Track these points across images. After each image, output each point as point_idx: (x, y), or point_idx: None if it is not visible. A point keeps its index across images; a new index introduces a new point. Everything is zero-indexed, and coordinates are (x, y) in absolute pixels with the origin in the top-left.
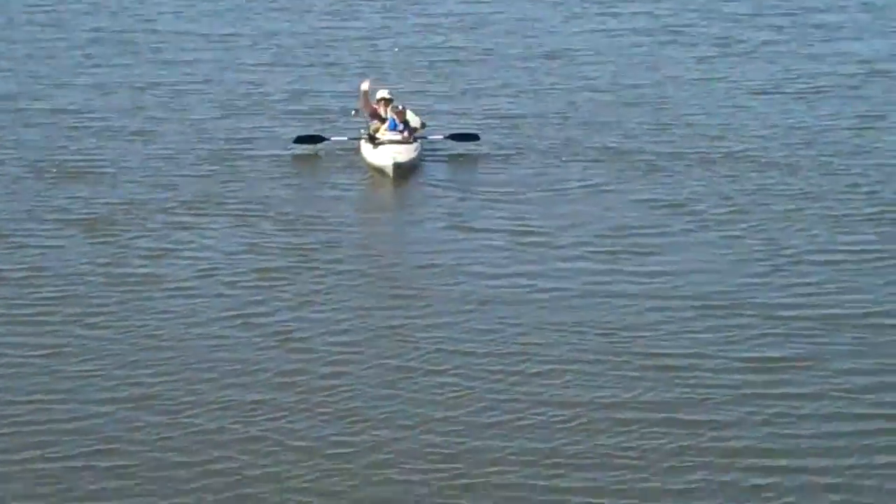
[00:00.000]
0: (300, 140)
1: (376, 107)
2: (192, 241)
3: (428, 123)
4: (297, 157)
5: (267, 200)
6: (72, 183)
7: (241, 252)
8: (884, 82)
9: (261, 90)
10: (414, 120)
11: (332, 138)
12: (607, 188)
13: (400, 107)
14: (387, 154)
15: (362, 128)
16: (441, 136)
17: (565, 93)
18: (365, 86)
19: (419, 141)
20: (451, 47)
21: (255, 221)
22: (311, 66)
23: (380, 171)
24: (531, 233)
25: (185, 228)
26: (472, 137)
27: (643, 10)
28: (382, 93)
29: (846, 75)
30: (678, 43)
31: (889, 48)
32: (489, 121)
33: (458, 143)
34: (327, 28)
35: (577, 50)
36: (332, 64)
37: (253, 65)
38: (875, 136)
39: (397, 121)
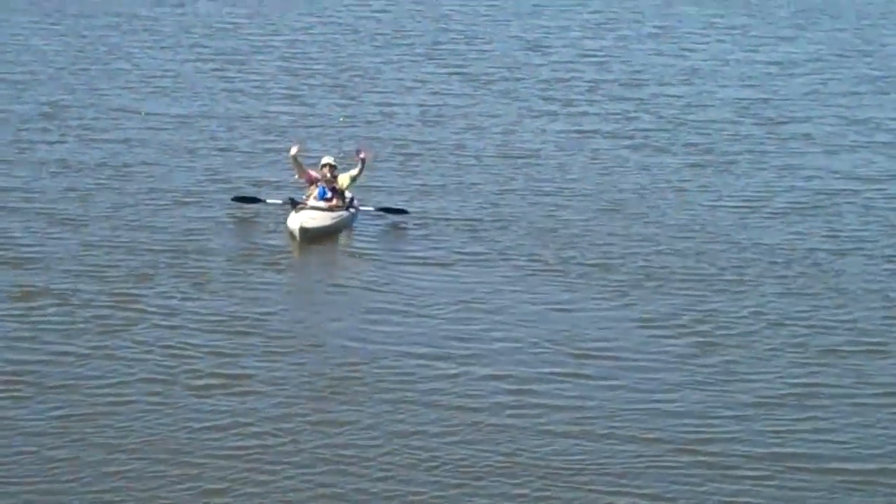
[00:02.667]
0: (238, 199)
1: (316, 174)
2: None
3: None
4: (232, 216)
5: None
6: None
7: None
8: (859, 198)
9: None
10: (343, 178)
11: (269, 200)
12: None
13: (334, 171)
14: (298, 219)
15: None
16: (372, 208)
17: (520, 191)
18: (293, 150)
19: (351, 211)
20: (407, 139)
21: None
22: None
23: (291, 235)
24: (405, 302)
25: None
26: (401, 212)
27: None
28: (327, 159)
29: (825, 192)
30: (650, 147)
31: (862, 163)
32: (416, 191)
33: (388, 214)
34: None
35: (538, 150)
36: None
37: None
38: (853, 260)
39: (326, 188)
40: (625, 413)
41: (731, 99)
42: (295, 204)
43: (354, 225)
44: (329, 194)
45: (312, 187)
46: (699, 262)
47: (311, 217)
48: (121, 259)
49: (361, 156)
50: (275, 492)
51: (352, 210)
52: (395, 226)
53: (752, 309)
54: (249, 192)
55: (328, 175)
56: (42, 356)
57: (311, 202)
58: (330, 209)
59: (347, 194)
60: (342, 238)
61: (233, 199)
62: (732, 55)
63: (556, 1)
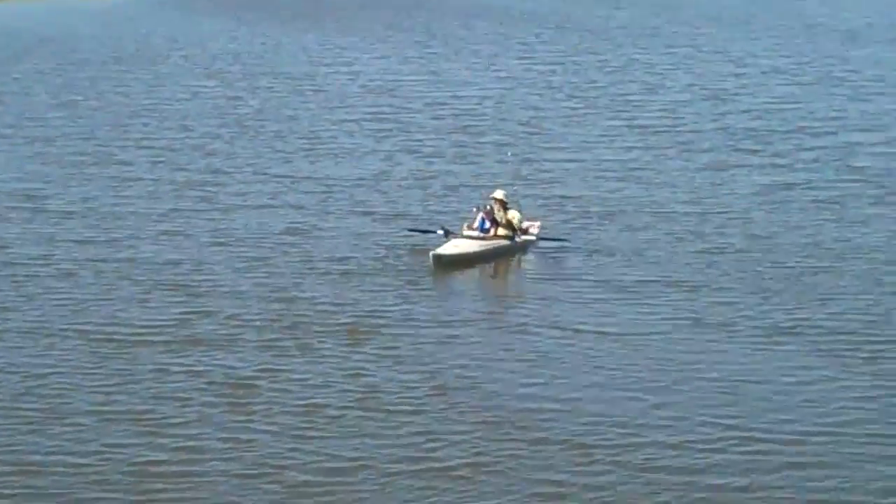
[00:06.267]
0: (412, 230)
1: (488, 207)
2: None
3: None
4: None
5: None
6: None
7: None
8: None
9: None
10: (513, 214)
11: (438, 231)
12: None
13: (504, 205)
14: (441, 246)
15: None
16: (533, 237)
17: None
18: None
19: (508, 242)
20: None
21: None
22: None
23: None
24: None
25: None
26: (561, 241)
27: None
28: (498, 194)
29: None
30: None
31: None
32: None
33: (547, 242)
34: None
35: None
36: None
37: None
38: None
39: (487, 220)
40: None
41: None
42: (447, 233)
43: (510, 255)
44: (488, 225)
45: (475, 220)
46: None
47: (454, 245)
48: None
49: (532, 229)
50: None
51: (510, 242)
52: (553, 257)
53: None
54: (423, 224)
55: (500, 207)
56: None
57: (466, 232)
58: (480, 238)
59: (519, 225)
60: (485, 267)
61: (408, 230)
62: None
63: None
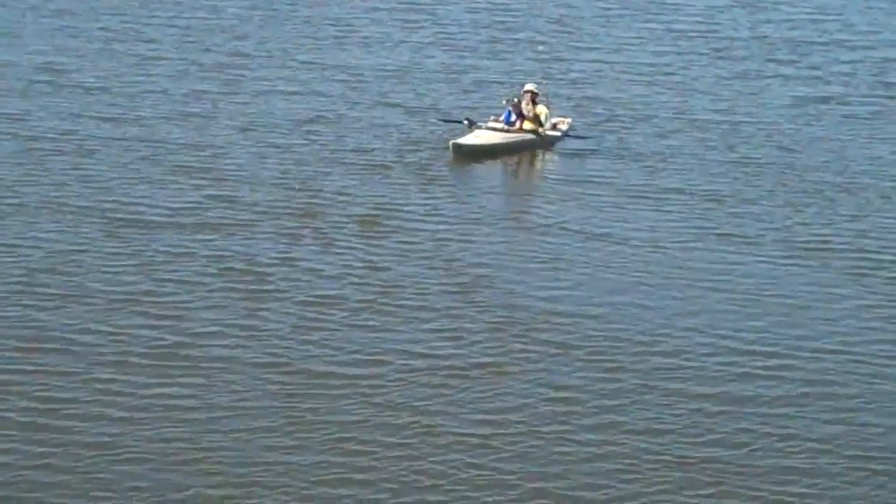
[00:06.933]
0: (444, 120)
1: (516, 100)
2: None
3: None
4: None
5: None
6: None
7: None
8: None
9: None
10: (541, 109)
11: (463, 122)
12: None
13: (535, 97)
14: (463, 137)
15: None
16: (559, 133)
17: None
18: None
19: (532, 136)
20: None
21: None
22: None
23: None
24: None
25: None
26: (584, 138)
27: None
28: (530, 86)
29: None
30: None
31: None
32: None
33: (574, 140)
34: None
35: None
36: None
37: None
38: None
39: (513, 112)
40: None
41: None
42: (472, 124)
43: (534, 149)
44: (514, 118)
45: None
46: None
47: (475, 136)
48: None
49: (561, 125)
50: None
51: (534, 136)
52: (578, 158)
53: None
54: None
55: (529, 101)
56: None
57: (490, 123)
58: (507, 132)
59: (545, 121)
60: (507, 161)
61: (435, 119)
62: None
63: None
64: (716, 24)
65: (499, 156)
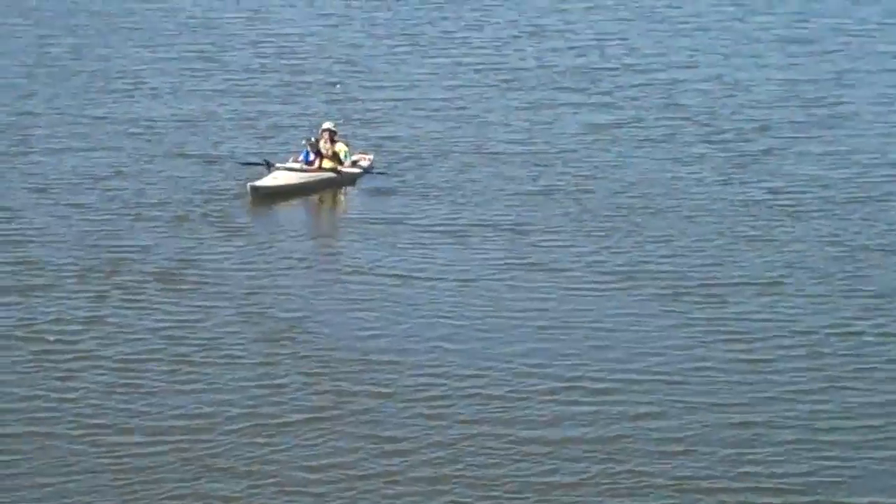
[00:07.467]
0: (245, 163)
1: (314, 140)
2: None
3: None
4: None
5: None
6: None
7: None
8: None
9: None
10: (341, 149)
11: (261, 164)
12: None
13: (333, 136)
14: (261, 179)
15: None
16: (358, 171)
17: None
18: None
19: (332, 175)
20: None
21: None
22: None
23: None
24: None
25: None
26: (382, 174)
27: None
28: (328, 124)
29: None
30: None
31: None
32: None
33: (371, 175)
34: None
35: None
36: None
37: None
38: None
39: (311, 152)
40: None
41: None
42: (269, 165)
43: (334, 188)
44: (312, 157)
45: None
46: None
47: (273, 177)
48: None
49: (362, 162)
50: None
51: (334, 174)
52: (379, 196)
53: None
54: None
55: (327, 139)
56: None
57: (289, 164)
58: (306, 171)
59: (345, 159)
60: (307, 201)
61: (239, 163)
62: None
63: None
64: (504, 55)
65: (299, 196)
